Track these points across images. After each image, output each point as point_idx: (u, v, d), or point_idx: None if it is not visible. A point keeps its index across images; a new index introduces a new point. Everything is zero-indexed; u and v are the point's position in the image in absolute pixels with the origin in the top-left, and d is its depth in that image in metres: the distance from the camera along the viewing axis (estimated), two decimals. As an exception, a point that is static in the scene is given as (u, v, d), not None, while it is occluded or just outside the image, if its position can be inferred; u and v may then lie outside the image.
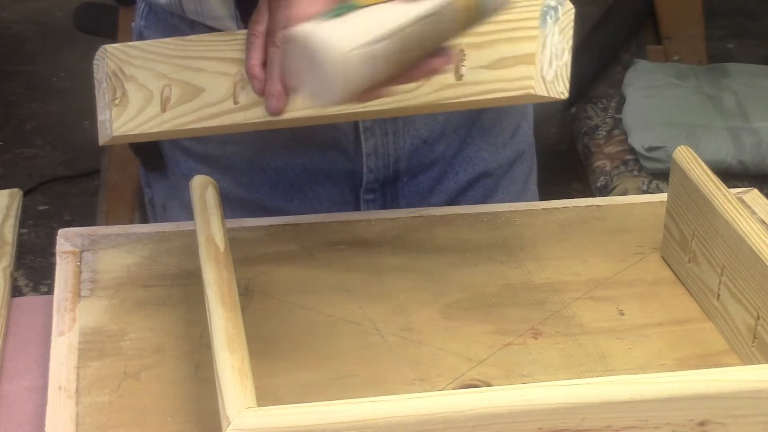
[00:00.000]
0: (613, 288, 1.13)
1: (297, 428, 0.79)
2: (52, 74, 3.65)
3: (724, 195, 1.06)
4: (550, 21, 1.08)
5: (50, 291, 1.11)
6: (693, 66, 3.29)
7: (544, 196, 1.41)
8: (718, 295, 1.06)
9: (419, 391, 0.97)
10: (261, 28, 1.06)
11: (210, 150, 1.29)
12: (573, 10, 1.09)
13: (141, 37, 1.32)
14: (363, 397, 0.82)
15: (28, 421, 0.96)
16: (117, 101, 1.10)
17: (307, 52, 0.92)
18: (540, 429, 0.83)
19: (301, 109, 1.08)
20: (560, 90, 1.08)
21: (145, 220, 1.12)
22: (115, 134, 1.10)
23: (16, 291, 1.16)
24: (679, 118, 2.93)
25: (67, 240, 1.18)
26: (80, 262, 1.15)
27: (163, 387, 0.98)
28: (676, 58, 3.39)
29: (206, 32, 1.22)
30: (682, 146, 1.15)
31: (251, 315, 1.08)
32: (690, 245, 1.11)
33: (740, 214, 1.03)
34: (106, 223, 2.61)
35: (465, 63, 1.08)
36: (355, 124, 1.25)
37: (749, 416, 0.85)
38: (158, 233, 1.20)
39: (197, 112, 1.10)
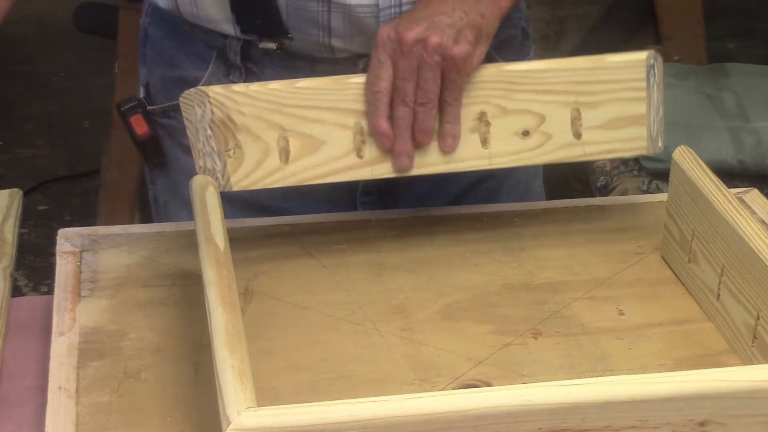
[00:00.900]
0: (613, 288, 1.13)
1: (297, 428, 0.79)
2: (52, 74, 3.65)
3: (724, 195, 1.06)
4: (652, 80, 1.15)
5: (50, 291, 1.11)
6: (693, 66, 3.29)
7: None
8: (718, 295, 1.06)
9: (419, 391, 0.97)
10: (386, 84, 1.08)
11: None
12: (661, 61, 1.16)
13: (146, 34, 1.32)
14: (363, 397, 0.82)
15: (28, 421, 0.96)
16: (231, 153, 1.10)
17: None
18: (540, 429, 0.83)
19: (430, 165, 1.13)
20: (660, 145, 1.17)
21: (145, 220, 1.13)
22: (234, 189, 1.10)
23: (16, 291, 1.16)
24: (679, 118, 2.93)
25: (67, 240, 1.18)
26: (80, 262, 1.15)
27: (163, 387, 0.98)
28: (676, 58, 3.38)
29: (206, 33, 1.22)
30: (682, 146, 1.15)
31: (251, 315, 1.08)
32: (690, 245, 1.11)
33: (740, 214, 1.03)
34: (106, 223, 2.61)
35: (582, 122, 1.14)
36: None
37: (749, 416, 0.85)
38: (158, 233, 1.20)
39: (321, 167, 1.12)
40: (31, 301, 1.18)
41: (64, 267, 1.14)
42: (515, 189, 1.37)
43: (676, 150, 1.14)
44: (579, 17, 3.53)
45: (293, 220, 1.23)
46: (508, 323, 1.07)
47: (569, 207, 1.27)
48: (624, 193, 2.79)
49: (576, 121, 1.15)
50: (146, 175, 1.41)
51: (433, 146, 1.13)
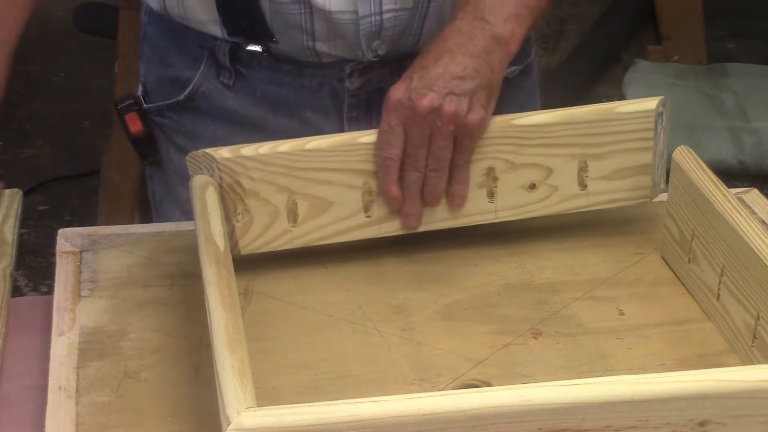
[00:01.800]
0: (613, 288, 1.13)
1: (297, 428, 0.79)
2: (52, 74, 3.64)
3: (724, 195, 1.06)
4: (659, 128, 1.16)
5: (50, 291, 1.11)
6: (693, 66, 3.29)
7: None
8: (718, 295, 1.06)
9: (419, 391, 0.97)
10: (397, 151, 1.09)
11: (203, 148, 1.29)
12: (669, 106, 1.17)
13: (145, 32, 1.33)
14: (363, 397, 0.82)
15: (28, 421, 0.96)
16: (239, 217, 1.10)
17: None
18: (540, 429, 0.83)
19: (438, 221, 1.14)
20: (663, 188, 1.18)
21: (145, 220, 1.13)
22: (243, 253, 1.10)
23: (16, 291, 1.16)
24: (679, 118, 2.93)
25: (67, 240, 1.18)
26: (80, 262, 1.15)
27: (163, 387, 0.98)
28: (676, 58, 3.38)
29: (198, 34, 1.22)
30: (682, 146, 1.15)
31: (251, 315, 1.08)
32: (690, 245, 1.11)
33: (740, 214, 1.03)
34: (106, 223, 2.61)
35: (588, 174, 1.15)
36: (341, 130, 1.26)
37: (749, 416, 0.85)
38: (158, 233, 1.20)
39: (329, 227, 1.12)
40: (31, 301, 1.18)
41: (64, 267, 1.14)
42: None
43: (676, 150, 1.14)
44: (579, 17, 3.54)
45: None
46: (508, 323, 1.07)
47: (569, 207, 1.27)
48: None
49: (582, 172, 1.16)
50: (146, 172, 1.42)
51: (441, 203, 1.14)
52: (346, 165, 1.11)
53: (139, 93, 1.33)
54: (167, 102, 1.29)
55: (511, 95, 1.15)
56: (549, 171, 1.15)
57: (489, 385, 0.98)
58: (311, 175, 1.10)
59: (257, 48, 1.22)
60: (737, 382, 0.85)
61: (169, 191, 1.35)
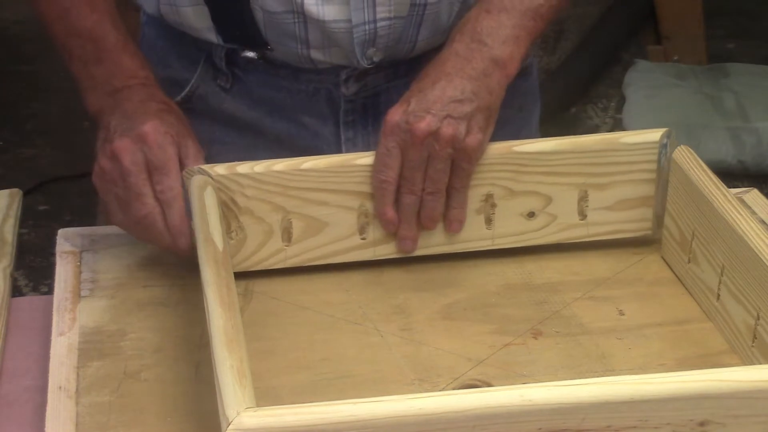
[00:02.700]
0: (613, 288, 1.13)
1: (297, 428, 0.79)
2: (52, 74, 3.64)
3: (724, 195, 1.06)
4: (663, 159, 1.15)
5: (50, 291, 1.11)
6: (693, 66, 3.29)
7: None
8: (718, 295, 1.06)
9: (419, 391, 0.97)
10: (393, 174, 1.09)
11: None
12: (674, 137, 1.15)
13: (144, 33, 1.32)
14: (363, 397, 0.81)
15: (28, 421, 0.96)
16: (233, 234, 1.10)
17: None
18: (540, 429, 0.83)
19: (433, 245, 1.14)
20: (665, 222, 1.17)
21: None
22: (235, 270, 1.10)
23: (16, 291, 1.16)
24: (679, 118, 2.93)
25: (67, 240, 1.18)
26: (80, 262, 1.15)
27: (163, 387, 0.98)
28: (676, 58, 3.38)
29: (192, 38, 1.22)
30: (682, 146, 1.15)
31: (251, 315, 1.08)
32: (690, 245, 1.11)
33: (740, 214, 1.03)
34: (106, 223, 2.61)
35: (588, 204, 1.15)
36: (337, 134, 1.25)
37: (749, 416, 0.85)
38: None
39: (324, 248, 1.12)
40: (31, 301, 1.18)
41: (64, 267, 1.14)
42: None
43: (676, 150, 1.14)
44: (579, 17, 3.54)
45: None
46: (508, 323, 1.07)
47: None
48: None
49: (582, 202, 1.16)
50: None
51: (437, 227, 1.13)
52: (343, 186, 1.11)
53: None
54: None
55: (510, 97, 1.14)
56: (548, 199, 1.15)
57: (489, 385, 0.98)
58: (307, 195, 1.10)
59: (252, 55, 1.22)
60: (737, 382, 0.85)
61: None
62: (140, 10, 1.32)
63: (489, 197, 1.14)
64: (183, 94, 1.26)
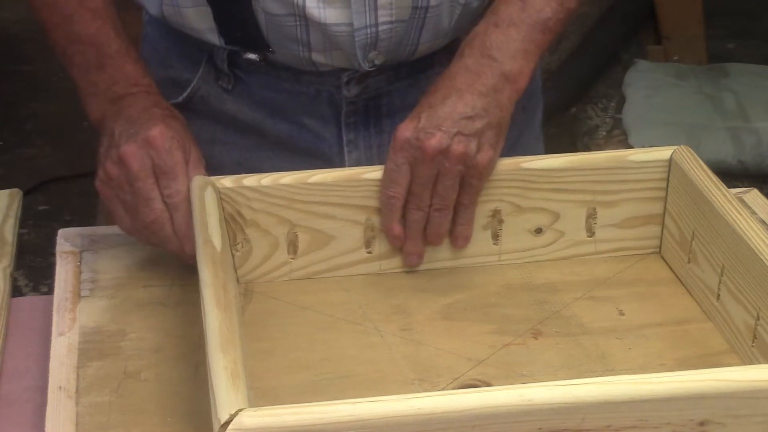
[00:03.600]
0: (613, 288, 1.13)
1: (296, 428, 0.79)
2: (52, 74, 3.64)
3: (724, 195, 1.06)
4: (672, 177, 1.14)
5: (50, 291, 1.11)
6: (693, 66, 3.29)
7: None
8: (718, 295, 1.06)
9: (419, 391, 0.97)
10: (402, 190, 1.08)
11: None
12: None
13: (146, 32, 1.32)
14: (363, 397, 0.81)
15: (28, 421, 0.96)
16: (239, 247, 1.10)
17: None
18: (540, 429, 0.83)
19: (439, 260, 1.14)
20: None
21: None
22: (240, 282, 1.11)
23: (16, 291, 1.16)
24: (679, 118, 2.93)
25: (67, 240, 1.18)
26: (80, 262, 1.15)
27: (163, 387, 0.98)
28: (676, 58, 3.38)
29: (194, 39, 1.22)
30: (682, 146, 1.15)
31: (251, 315, 1.08)
32: (690, 245, 1.11)
33: (740, 214, 1.03)
34: (106, 223, 2.61)
35: (596, 221, 1.15)
36: (339, 135, 1.25)
37: (749, 416, 0.85)
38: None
39: (329, 261, 1.12)
40: (31, 301, 1.18)
41: (64, 267, 1.14)
42: None
43: (676, 150, 1.14)
44: (579, 17, 3.53)
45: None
46: (508, 323, 1.07)
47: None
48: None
49: (590, 219, 1.16)
50: None
51: (444, 242, 1.13)
52: (349, 200, 1.10)
53: None
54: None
55: None
56: (556, 216, 1.15)
57: (489, 385, 0.98)
58: (313, 208, 1.10)
59: (254, 56, 1.22)
60: (737, 382, 0.85)
61: None
62: (141, 9, 1.32)
63: (496, 213, 1.14)
64: (185, 95, 1.26)
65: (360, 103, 1.24)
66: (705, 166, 1.11)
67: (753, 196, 1.25)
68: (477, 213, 1.12)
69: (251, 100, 1.25)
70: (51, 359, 1.00)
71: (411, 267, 1.14)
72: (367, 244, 1.13)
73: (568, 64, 3.34)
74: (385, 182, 1.09)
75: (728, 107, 3.01)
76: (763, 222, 1.19)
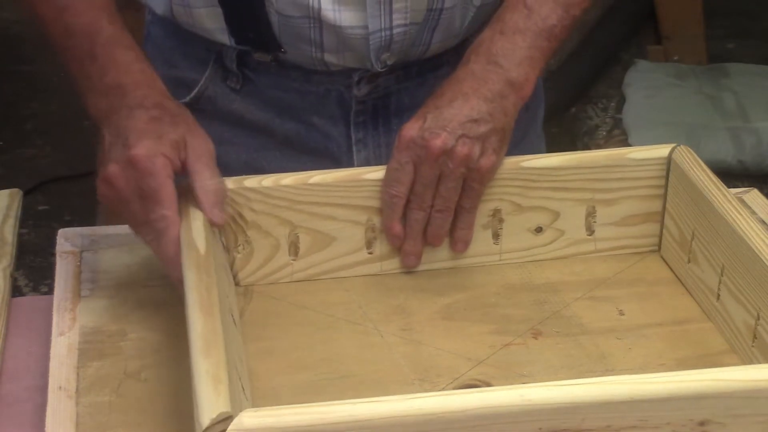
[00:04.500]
0: (613, 288, 1.13)
1: (297, 428, 0.79)
2: (52, 74, 3.64)
3: (724, 195, 1.06)
4: (671, 174, 1.14)
5: (50, 291, 1.11)
6: (693, 66, 3.29)
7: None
8: (718, 295, 1.06)
9: (419, 391, 0.97)
10: (404, 190, 1.09)
11: None
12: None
13: (149, 32, 1.32)
14: (363, 397, 0.81)
15: (28, 421, 0.96)
16: (240, 248, 1.10)
17: None
18: (540, 429, 0.83)
19: (439, 260, 1.14)
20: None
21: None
22: (242, 284, 1.11)
23: (16, 291, 1.16)
24: (679, 118, 2.93)
25: (67, 240, 1.18)
26: (80, 262, 1.15)
27: (163, 387, 0.98)
28: (676, 58, 3.38)
29: (202, 38, 1.22)
30: (682, 146, 1.15)
31: (251, 315, 1.08)
32: (690, 245, 1.11)
33: (740, 214, 1.03)
34: (106, 223, 2.61)
35: (596, 219, 1.15)
36: (348, 135, 1.25)
37: (749, 416, 0.85)
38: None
39: (331, 262, 1.12)
40: (31, 301, 1.18)
41: (64, 267, 1.14)
42: None
43: (676, 150, 1.14)
44: (579, 17, 3.53)
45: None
46: (508, 323, 1.07)
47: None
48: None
49: (590, 217, 1.16)
50: None
51: (444, 242, 1.13)
52: (350, 201, 1.10)
53: None
54: None
55: None
56: (556, 215, 1.15)
57: (489, 385, 0.98)
58: (314, 209, 1.10)
59: (265, 57, 1.21)
60: (737, 382, 0.85)
61: None
62: (141, 9, 1.32)
63: (496, 212, 1.14)
64: (192, 95, 1.25)
65: (369, 102, 1.24)
66: (704, 166, 1.11)
67: (753, 196, 1.25)
68: (477, 212, 1.12)
69: (259, 99, 1.25)
70: (51, 359, 1.00)
71: (409, 268, 1.14)
72: (368, 245, 1.13)
73: (568, 64, 3.33)
74: (387, 181, 1.09)
75: (728, 107, 3.01)
76: (763, 222, 1.19)
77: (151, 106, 1.07)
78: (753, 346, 1.00)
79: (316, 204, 1.10)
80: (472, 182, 1.09)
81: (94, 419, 0.94)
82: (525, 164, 1.13)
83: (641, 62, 3.28)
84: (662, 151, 1.15)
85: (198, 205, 1.03)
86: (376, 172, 1.10)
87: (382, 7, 1.15)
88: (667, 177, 1.15)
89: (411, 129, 1.08)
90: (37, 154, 3.35)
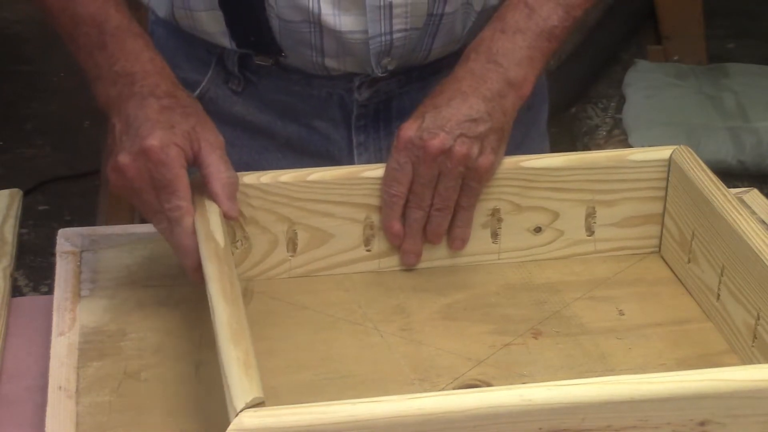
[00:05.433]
0: (613, 288, 1.13)
1: (297, 428, 0.79)
2: (52, 74, 3.64)
3: (724, 195, 1.06)
4: (671, 177, 1.14)
5: (50, 291, 1.11)
6: (693, 66, 3.29)
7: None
8: (718, 295, 1.06)
9: (419, 391, 0.97)
10: (404, 189, 1.09)
11: None
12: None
13: (152, 31, 1.32)
14: (363, 397, 0.82)
15: (28, 421, 0.96)
16: (238, 244, 1.10)
17: None
18: (540, 429, 0.83)
19: (438, 259, 1.14)
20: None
21: (145, 220, 1.12)
22: (239, 278, 1.10)
23: (16, 291, 1.16)
24: (679, 118, 2.93)
25: (67, 240, 1.18)
26: (80, 262, 1.15)
27: (163, 387, 0.98)
28: (676, 58, 3.38)
29: (205, 40, 1.22)
30: (681, 146, 1.15)
31: (251, 315, 1.07)
32: (690, 245, 1.11)
33: (740, 214, 1.03)
34: (106, 223, 2.61)
35: (596, 220, 1.15)
36: (349, 138, 1.25)
37: (749, 416, 0.85)
38: (158, 233, 1.20)
39: (329, 259, 1.12)
40: (31, 301, 1.18)
41: (64, 267, 1.14)
42: None
43: (676, 150, 1.14)
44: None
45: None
46: (508, 323, 1.07)
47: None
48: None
49: (590, 218, 1.16)
50: None
51: (443, 241, 1.13)
52: (349, 198, 1.11)
53: None
54: None
55: None
56: (556, 215, 1.15)
57: (489, 385, 0.98)
58: (313, 206, 1.10)
59: (266, 61, 1.21)
60: (737, 382, 0.85)
61: None
62: (141, 9, 1.32)
63: (496, 212, 1.14)
64: (193, 96, 1.25)
65: (371, 106, 1.24)
66: (705, 166, 1.11)
67: (753, 196, 1.25)
68: (476, 211, 1.12)
69: (261, 102, 1.25)
70: (51, 359, 1.00)
71: (408, 266, 1.14)
72: (367, 242, 1.13)
73: (568, 64, 3.33)
74: (387, 181, 1.09)
75: (728, 107, 3.01)
76: (763, 222, 1.19)
77: (163, 95, 1.07)
78: (753, 346, 1.00)
79: (314, 201, 1.10)
80: (471, 181, 1.09)
81: (94, 419, 0.94)
82: (524, 164, 1.13)
83: (641, 62, 3.28)
84: (663, 153, 1.15)
85: (212, 198, 1.03)
86: (375, 170, 1.10)
87: (382, 12, 1.15)
88: (667, 179, 1.15)
89: (409, 129, 1.08)
90: (37, 154, 3.35)
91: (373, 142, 1.26)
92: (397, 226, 1.11)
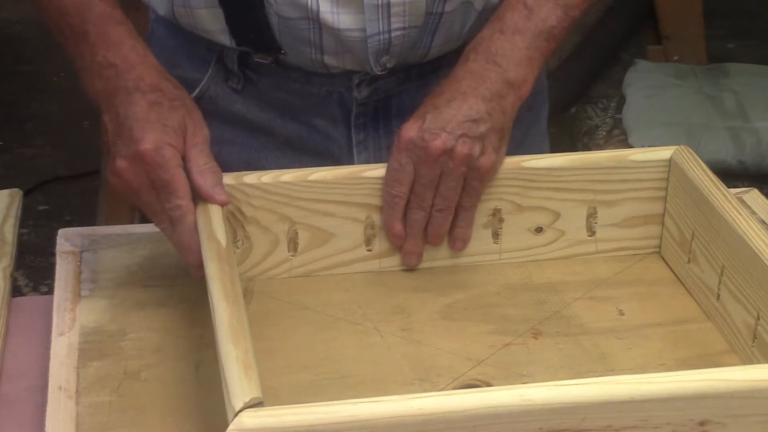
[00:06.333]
0: (613, 288, 1.13)
1: (297, 428, 0.79)
2: (52, 74, 3.64)
3: (724, 195, 1.06)
4: (672, 177, 1.14)
5: (50, 291, 1.11)
6: (693, 66, 3.29)
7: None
8: (718, 295, 1.06)
9: (419, 391, 0.97)
10: (405, 190, 1.09)
11: None
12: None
13: (153, 30, 1.32)
14: (363, 397, 0.82)
15: (28, 421, 0.96)
16: (239, 244, 1.10)
17: None
18: (540, 429, 0.83)
19: (439, 259, 1.14)
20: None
21: (145, 220, 1.12)
22: (240, 278, 1.10)
23: (16, 291, 1.16)
24: (679, 118, 2.93)
25: (67, 240, 1.18)
26: (80, 262, 1.15)
27: (163, 387, 0.98)
28: (676, 58, 3.38)
29: (204, 38, 1.22)
30: (681, 146, 1.15)
31: (251, 315, 1.07)
32: (690, 245, 1.11)
33: (740, 214, 1.03)
34: (106, 223, 2.61)
35: (597, 220, 1.15)
36: (349, 136, 1.25)
37: (749, 416, 0.85)
38: (158, 233, 1.19)
39: (329, 259, 1.12)
40: (31, 301, 1.18)
41: (64, 267, 1.14)
42: None
43: (676, 150, 1.14)
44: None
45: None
46: (508, 323, 1.07)
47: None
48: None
49: (591, 218, 1.16)
50: None
51: (443, 241, 1.13)
52: (350, 198, 1.11)
53: None
54: None
55: None
56: (557, 215, 1.15)
57: (489, 385, 0.98)
58: (313, 206, 1.10)
59: (265, 59, 1.21)
60: (737, 382, 0.85)
61: None
62: (141, 9, 1.32)
63: (497, 212, 1.14)
64: (193, 95, 1.25)
65: (370, 104, 1.24)
66: (705, 166, 1.11)
67: (753, 196, 1.25)
68: (477, 211, 1.12)
69: (261, 100, 1.25)
70: (51, 359, 1.00)
71: (410, 266, 1.14)
72: (368, 242, 1.13)
73: (568, 64, 3.34)
74: (388, 181, 1.10)
75: (728, 107, 3.01)
76: (763, 222, 1.19)
77: (148, 89, 1.06)
78: (753, 346, 1.00)
79: (315, 201, 1.10)
80: (473, 181, 1.09)
81: (94, 419, 0.94)
82: (525, 164, 1.13)
83: (641, 62, 3.28)
84: (664, 153, 1.15)
85: (197, 191, 1.03)
86: (376, 170, 1.10)
87: (380, 10, 1.15)
88: (668, 179, 1.15)
89: (410, 130, 1.08)
90: (37, 154, 3.35)
91: (373, 141, 1.26)
92: (398, 226, 1.11)
